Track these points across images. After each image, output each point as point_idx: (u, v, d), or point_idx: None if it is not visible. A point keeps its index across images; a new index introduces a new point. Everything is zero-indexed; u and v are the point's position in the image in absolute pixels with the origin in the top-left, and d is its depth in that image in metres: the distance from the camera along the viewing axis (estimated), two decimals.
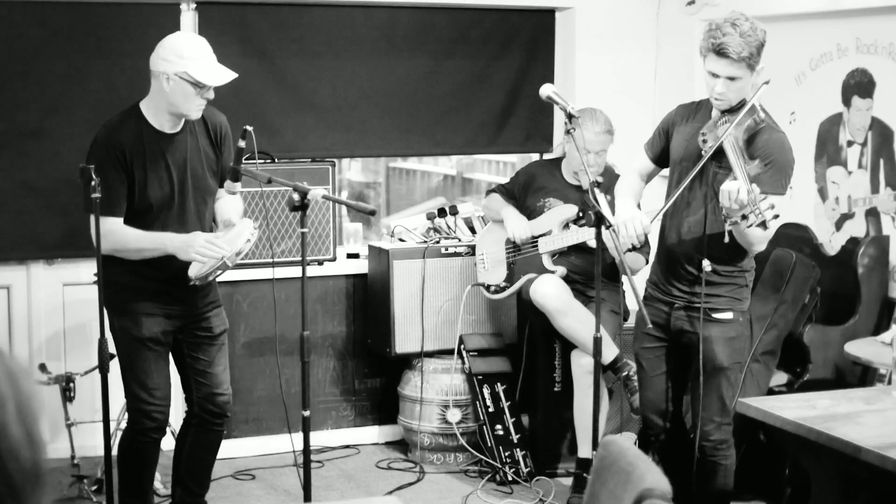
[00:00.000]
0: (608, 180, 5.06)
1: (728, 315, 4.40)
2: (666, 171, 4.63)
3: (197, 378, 4.69)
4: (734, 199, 3.88)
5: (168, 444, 4.91)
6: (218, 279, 4.62)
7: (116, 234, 4.33)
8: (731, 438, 4.54)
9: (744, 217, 3.89)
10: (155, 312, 4.49)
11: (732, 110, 4.25)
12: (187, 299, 4.58)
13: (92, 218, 4.28)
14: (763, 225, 3.86)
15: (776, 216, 3.87)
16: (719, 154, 4.20)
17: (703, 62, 4.27)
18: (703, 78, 4.29)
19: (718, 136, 4.18)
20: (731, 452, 4.54)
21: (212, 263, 4.31)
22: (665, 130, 4.56)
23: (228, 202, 4.69)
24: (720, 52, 4.14)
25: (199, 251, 4.29)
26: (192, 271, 4.40)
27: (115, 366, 4.55)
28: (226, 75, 4.38)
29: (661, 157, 4.59)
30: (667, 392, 4.58)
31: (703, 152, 4.26)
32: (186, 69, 4.29)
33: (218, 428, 4.78)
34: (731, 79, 4.17)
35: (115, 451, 4.63)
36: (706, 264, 4.30)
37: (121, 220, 4.36)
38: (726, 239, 4.17)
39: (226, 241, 4.36)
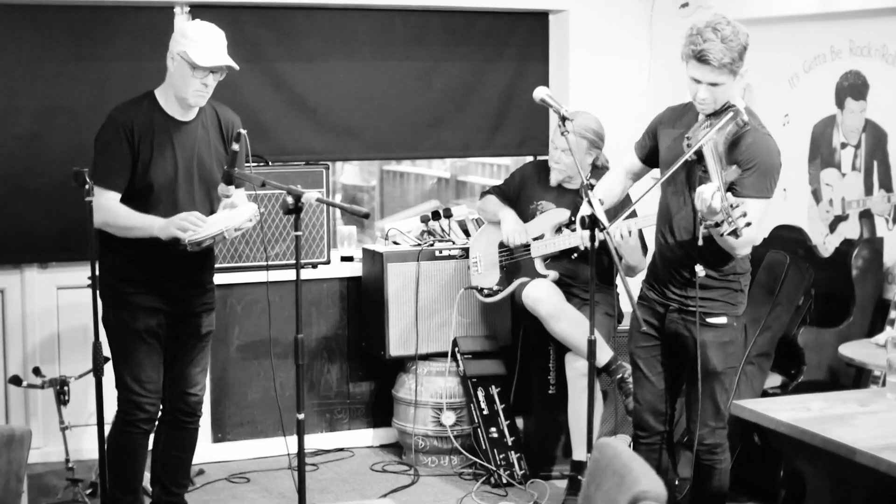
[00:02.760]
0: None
1: (722, 319, 4.38)
2: (655, 172, 4.63)
3: (173, 376, 4.72)
4: (706, 204, 3.87)
5: None
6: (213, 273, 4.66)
7: (110, 209, 4.41)
8: (727, 442, 4.53)
9: (717, 224, 3.88)
10: (152, 306, 4.55)
11: (717, 113, 4.21)
12: (184, 296, 4.64)
13: (95, 191, 4.31)
14: (734, 234, 3.84)
15: (748, 224, 3.83)
16: (702, 160, 4.18)
17: (685, 67, 4.22)
18: (686, 82, 4.24)
19: (699, 140, 4.15)
20: (726, 456, 4.54)
21: (210, 233, 4.34)
22: (652, 131, 4.55)
23: (237, 197, 4.74)
24: (701, 58, 4.09)
25: (178, 224, 4.34)
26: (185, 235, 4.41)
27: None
28: (218, 60, 4.45)
29: (648, 157, 4.58)
30: (663, 393, 4.56)
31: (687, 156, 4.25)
32: (186, 49, 4.41)
33: (191, 426, 4.83)
34: (714, 84, 4.13)
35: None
36: (699, 269, 4.28)
37: (118, 195, 4.44)
38: (700, 242, 4.16)
39: (222, 216, 4.44)
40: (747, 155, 4.18)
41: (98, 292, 4.55)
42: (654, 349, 4.53)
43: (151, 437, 4.80)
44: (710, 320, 4.36)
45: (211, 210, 4.63)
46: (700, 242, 4.15)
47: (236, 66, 4.52)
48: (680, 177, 4.30)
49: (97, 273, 4.54)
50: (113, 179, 4.42)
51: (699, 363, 4.34)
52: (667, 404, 4.58)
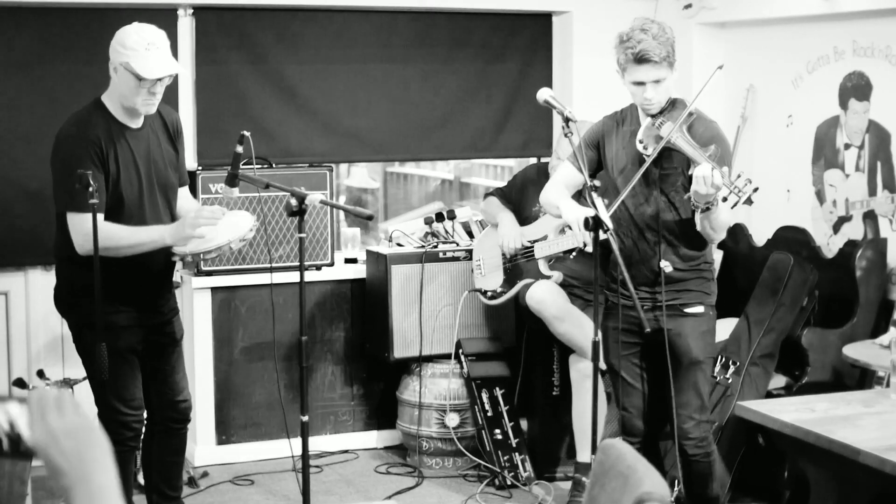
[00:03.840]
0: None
1: (699, 309, 4.46)
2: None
3: (158, 386, 4.64)
4: (710, 183, 3.94)
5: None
6: (190, 283, 4.60)
7: (104, 231, 4.15)
8: (711, 435, 4.57)
9: (724, 199, 3.98)
10: (131, 324, 4.44)
11: (662, 111, 4.34)
12: (157, 305, 4.55)
13: (70, 219, 4.23)
14: (749, 201, 3.94)
15: (756, 189, 3.94)
16: (661, 157, 4.28)
17: (622, 76, 4.35)
18: (628, 89, 4.36)
19: (662, 137, 4.25)
20: (713, 448, 4.58)
21: (216, 244, 4.26)
22: (594, 143, 4.56)
23: (189, 200, 4.69)
24: (641, 58, 4.22)
25: (193, 223, 4.22)
26: (185, 248, 4.33)
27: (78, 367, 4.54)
28: (163, 70, 4.26)
29: (592, 169, 4.54)
30: (648, 396, 4.58)
31: (644, 157, 4.32)
32: (129, 60, 4.23)
33: (181, 431, 4.77)
34: (657, 82, 4.26)
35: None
36: (665, 264, 4.37)
37: (103, 216, 4.21)
38: (699, 227, 4.25)
39: (225, 224, 4.31)
40: (704, 141, 4.27)
41: (64, 312, 4.48)
42: (633, 356, 4.56)
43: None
44: (688, 310, 4.44)
45: (172, 216, 4.52)
46: (699, 227, 4.26)
47: (180, 70, 4.41)
48: (637, 179, 4.36)
49: (71, 296, 4.45)
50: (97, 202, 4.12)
51: (668, 356, 4.40)
52: (649, 405, 4.60)
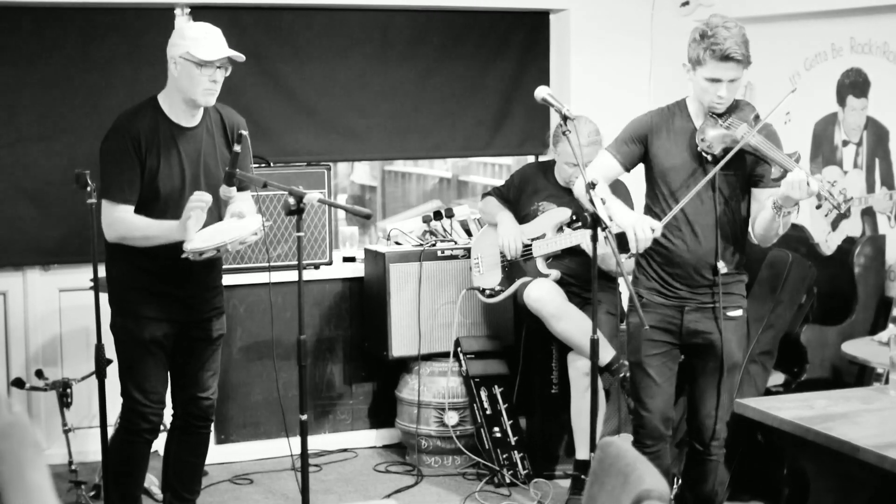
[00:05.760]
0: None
1: (739, 312, 4.44)
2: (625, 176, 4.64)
3: (184, 381, 4.65)
4: (805, 189, 3.96)
5: (158, 444, 4.86)
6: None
7: (126, 221, 4.32)
8: None
9: (818, 206, 4.01)
10: (159, 316, 4.45)
11: (729, 111, 4.28)
12: (193, 303, 4.55)
13: (102, 206, 4.30)
14: (839, 209, 3.98)
15: (849, 199, 3.99)
16: (718, 158, 4.21)
17: (692, 71, 4.22)
18: (695, 85, 4.25)
19: (734, 137, 4.19)
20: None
21: (213, 244, 4.24)
22: (641, 138, 4.43)
23: (242, 202, 4.68)
24: (727, 56, 4.12)
25: (187, 215, 4.23)
26: (188, 245, 4.35)
27: (112, 365, 4.56)
28: (224, 52, 4.38)
29: (633, 164, 4.49)
30: (672, 398, 4.53)
31: (707, 156, 4.25)
32: (188, 49, 4.32)
33: (203, 430, 4.75)
34: (732, 81, 4.18)
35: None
36: (721, 266, 4.32)
37: (132, 207, 4.34)
38: (763, 229, 4.23)
39: (227, 227, 4.32)
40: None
41: (108, 300, 4.54)
42: (664, 355, 4.46)
43: (160, 443, 4.79)
44: (731, 313, 4.40)
45: (219, 216, 4.52)
46: (762, 229, 4.25)
47: (242, 57, 4.44)
48: (694, 179, 4.30)
49: (108, 281, 4.54)
50: (126, 193, 4.31)
51: (723, 358, 4.37)
52: (674, 409, 4.58)
